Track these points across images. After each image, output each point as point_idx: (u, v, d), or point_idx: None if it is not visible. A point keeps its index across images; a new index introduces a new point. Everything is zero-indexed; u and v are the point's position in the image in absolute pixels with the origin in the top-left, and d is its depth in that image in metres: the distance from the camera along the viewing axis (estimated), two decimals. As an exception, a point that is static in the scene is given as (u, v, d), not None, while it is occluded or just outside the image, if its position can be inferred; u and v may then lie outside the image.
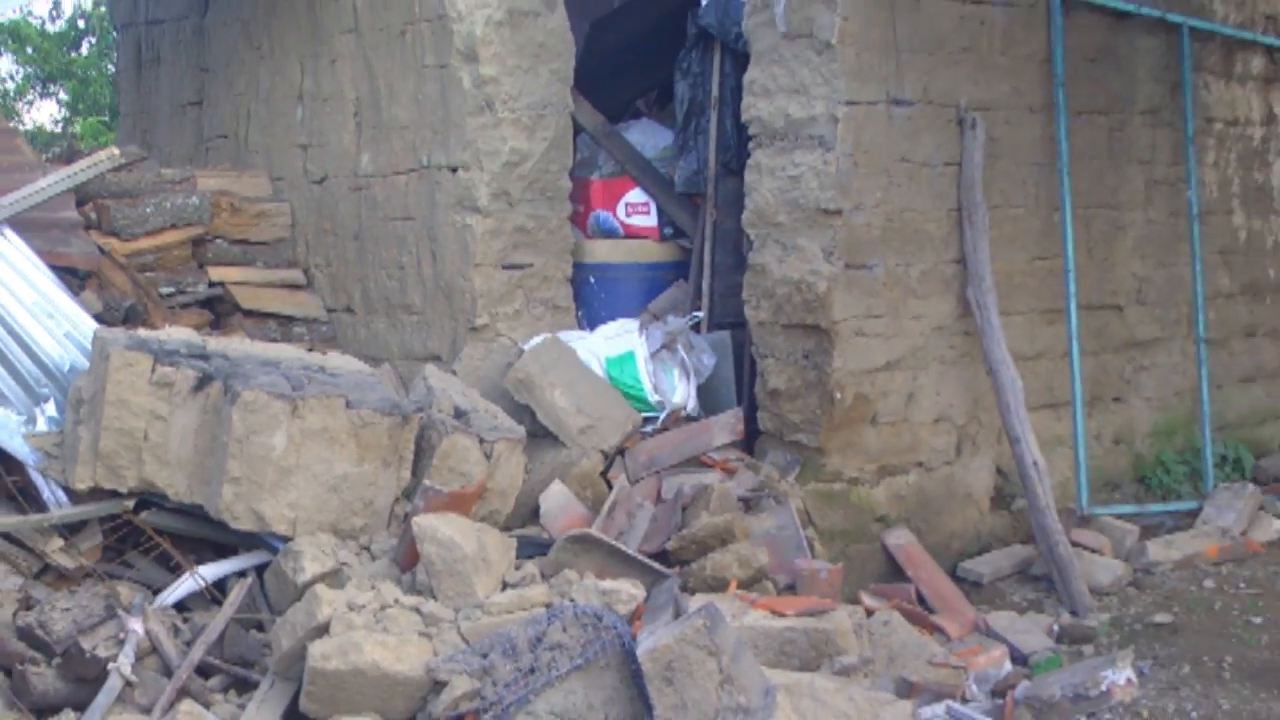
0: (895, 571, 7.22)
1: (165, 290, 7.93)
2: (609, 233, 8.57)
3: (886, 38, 7.22)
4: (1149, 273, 8.55)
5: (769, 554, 6.58)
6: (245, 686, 5.60)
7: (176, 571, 6.26)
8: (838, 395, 7.15)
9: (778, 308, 7.28)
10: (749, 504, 6.94)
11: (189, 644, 5.67)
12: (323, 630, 5.18)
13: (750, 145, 7.43)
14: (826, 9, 7.04)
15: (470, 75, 7.73)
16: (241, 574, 6.24)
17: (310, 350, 7.37)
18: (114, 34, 10.92)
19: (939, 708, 5.90)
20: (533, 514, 6.79)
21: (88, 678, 5.43)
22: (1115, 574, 7.31)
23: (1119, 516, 7.84)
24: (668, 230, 8.53)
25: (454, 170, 7.82)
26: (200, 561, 6.31)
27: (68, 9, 16.63)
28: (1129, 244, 8.43)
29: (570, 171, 8.12)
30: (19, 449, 6.54)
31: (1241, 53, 9.03)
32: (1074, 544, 7.33)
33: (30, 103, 16.77)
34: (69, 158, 8.65)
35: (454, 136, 7.82)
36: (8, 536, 6.22)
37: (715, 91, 8.12)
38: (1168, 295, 8.65)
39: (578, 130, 8.31)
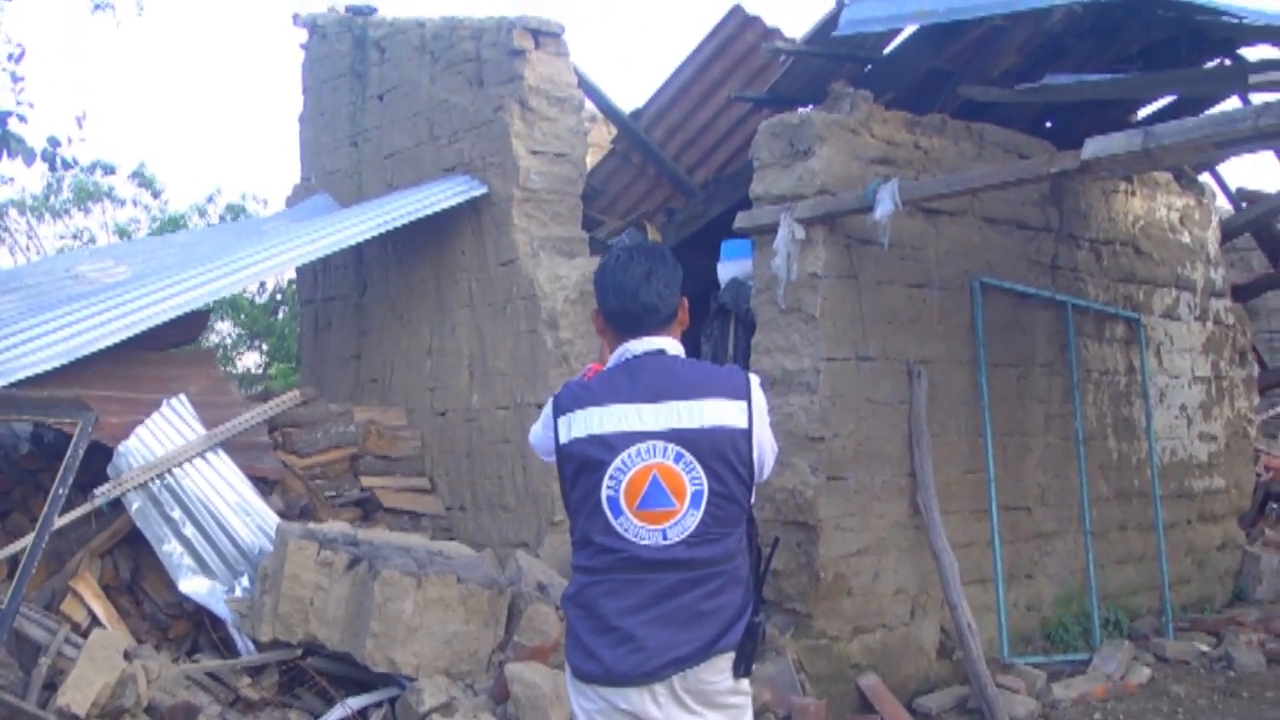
0: (866, 706, 6.99)
1: (329, 494, 7.95)
2: (652, 452, 8.48)
3: (855, 311, 7.19)
4: (1049, 482, 8.40)
5: (771, 692, 6.41)
6: (380, 791, 5.46)
7: (331, 702, 6.21)
8: (822, 574, 6.96)
9: (778, 508, 7.11)
10: (756, 655, 6.74)
11: (339, 759, 5.56)
12: (438, 751, 5.03)
13: (756, 390, 7.35)
14: (812, 292, 7.03)
15: (552, 338, 7.75)
16: (379, 704, 6.16)
17: (432, 539, 7.45)
18: (300, 306, 11.09)
19: (902, 814, 5.70)
20: (595, 662, 6.58)
21: (264, 782, 5.36)
22: (1029, 708, 7.07)
23: (1031, 664, 7.62)
24: (695, 451, 8.43)
25: (539, 407, 7.76)
26: (349, 695, 6.25)
27: (269, 287, 17.10)
28: (1034, 461, 8.29)
29: (624, 408, 8.06)
30: (222, 610, 6.73)
31: (1109, 322, 9.01)
32: (999, 685, 7.12)
33: (240, 353, 17.25)
34: (265, 397, 8.71)
35: (539, 382, 7.81)
36: (212, 675, 6.29)
37: (730, 350, 8.11)
38: (1063, 499, 8.48)
39: (630, 378, 8.28)
